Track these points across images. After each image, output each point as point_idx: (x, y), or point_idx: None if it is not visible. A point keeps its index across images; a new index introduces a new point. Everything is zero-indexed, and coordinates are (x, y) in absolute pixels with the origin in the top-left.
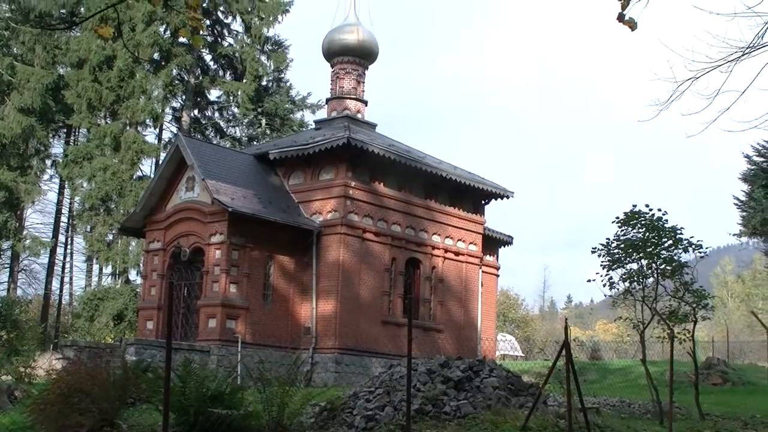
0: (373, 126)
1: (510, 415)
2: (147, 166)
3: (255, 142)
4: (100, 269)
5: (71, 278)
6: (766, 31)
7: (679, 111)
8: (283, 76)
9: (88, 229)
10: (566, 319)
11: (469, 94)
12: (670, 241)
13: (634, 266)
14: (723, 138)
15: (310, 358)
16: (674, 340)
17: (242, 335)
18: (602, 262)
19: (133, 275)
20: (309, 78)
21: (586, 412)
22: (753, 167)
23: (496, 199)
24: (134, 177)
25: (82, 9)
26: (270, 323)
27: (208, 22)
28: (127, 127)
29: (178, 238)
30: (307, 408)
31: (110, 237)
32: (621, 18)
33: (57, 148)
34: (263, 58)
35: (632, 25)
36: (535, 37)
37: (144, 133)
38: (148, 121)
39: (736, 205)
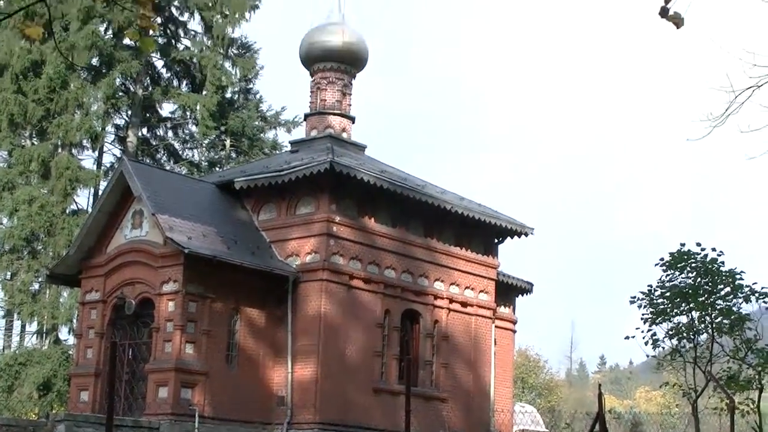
0: (361, 148)
1: None
2: (83, 198)
3: (217, 168)
4: (23, 326)
5: None
6: None
7: (738, 127)
8: (251, 86)
9: (8, 276)
10: (599, 385)
11: (480, 112)
12: (728, 289)
13: (684, 319)
14: None
15: None
16: (735, 412)
17: (201, 407)
18: (643, 314)
19: (64, 333)
20: (284, 89)
21: None
22: None
23: (512, 238)
24: (67, 211)
25: (0, 2)
26: (235, 392)
27: (159, 20)
28: (59, 150)
29: (121, 286)
30: None
31: (36, 286)
32: (664, 13)
33: None
34: (227, 64)
35: (678, 21)
36: (560, 43)
37: (80, 157)
38: (85, 141)
39: None
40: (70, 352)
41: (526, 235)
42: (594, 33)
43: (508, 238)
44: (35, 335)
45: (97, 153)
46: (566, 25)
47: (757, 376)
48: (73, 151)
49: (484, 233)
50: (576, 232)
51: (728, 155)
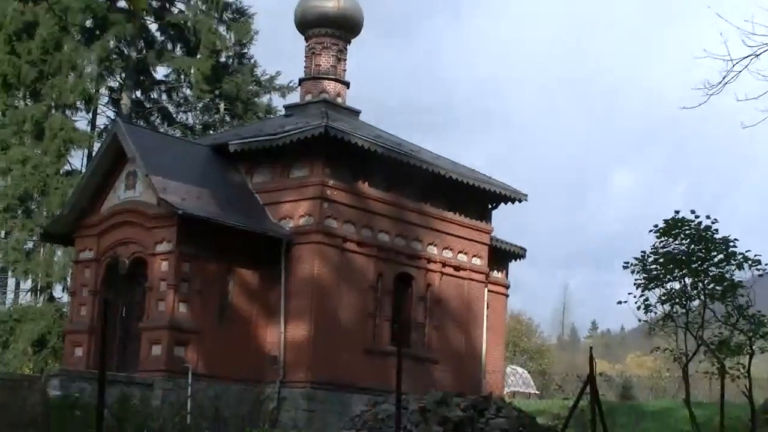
0: (356, 113)
1: None
2: (77, 159)
3: (211, 131)
4: (17, 284)
5: None
6: None
7: (734, 95)
8: (246, 51)
9: (3, 235)
10: (591, 348)
11: (476, 81)
12: (721, 256)
13: (676, 285)
14: None
15: (276, 394)
16: (725, 377)
17: (193, 365)
18: (636, 279)
19: (58, 291)
20: (278, 54)
21: None
22: None
23: (505, 204)
24: (61, 171)
25: None
26: (228, 351)
27: None
28: (53, 111)
29: (115, 246)
30: None
31: (30, 244)
32: None
33: None
34: (222, 29)
35: None
36: (553, 16)
37: (74, 119)
38: (78, 103)
39: None
40: (65, 310)
41: (520, 201)
42: (583, 6)
43: (502, 203)
44: (29, 293)
45: (90, 115)
46: (557, 5)
47: (748, 342)
48: (67, 112)
49: (477, 199)
50: (570, 198)
51: (723, 124)
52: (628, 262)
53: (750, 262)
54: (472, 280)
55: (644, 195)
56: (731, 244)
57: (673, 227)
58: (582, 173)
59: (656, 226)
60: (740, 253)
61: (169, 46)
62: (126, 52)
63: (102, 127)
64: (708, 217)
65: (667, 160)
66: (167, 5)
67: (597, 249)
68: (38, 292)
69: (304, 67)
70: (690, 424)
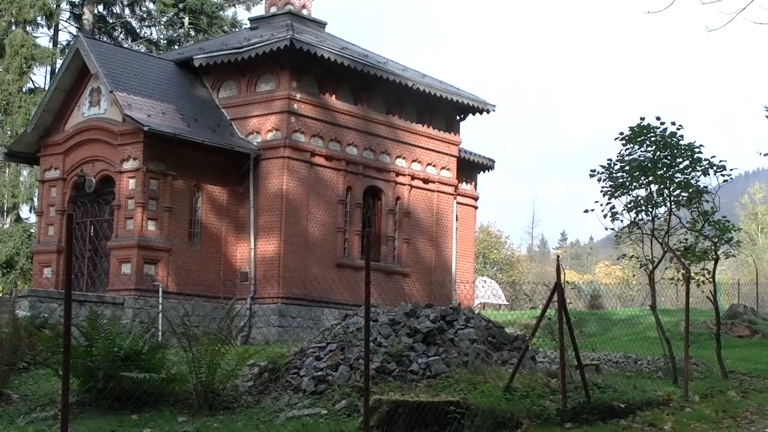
0: (322, 25)
1: (491, 374)
2: (40, 76)
3: (176, 46)
4: None
5: None
6: None
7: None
8: None
9: None
10: (558, 257)
11: None
12: (686, 162)
13: (642, 192)
14: (754, 32)
15: (247, 310)
16: (691, 282)
17: (163, 283)
18: (603, 188)
19: (25, 212)
20: None
21: (584, 369)
22: None
23: (473, 114)
24: (24, 89)
25: None
26: (198, 268)
27: None
28: (13, 27)
29: (81, 164)
30: (243, 369)
31: None
32: None
33: None
34: None
35: None
36: None
37: (35, 35)
38: (39, 19)
39: None
40: (32, 230)
41: (488, 111)
42: None
43: (470, 114)
44: None
45: (52, 31)
46: None
47: (713, 247)
48: (28, 28)
49: (445, 110)
50: (537, 109)
51: (688, 28)
52: (594, 170)
53: (715, 168)
54: (441, 192)
55: (610, 104)
56: (696, 150)
57: (638, 134)
58: (549, 82)
59: (622, 133)
60: (705, 159)
61: None
62: None
63: (64, 43)
64: (673, 123)
65: (633, 67)
66: None
67: (567, 160)
68: (5, 213)
69: None
70: (656, 329)
